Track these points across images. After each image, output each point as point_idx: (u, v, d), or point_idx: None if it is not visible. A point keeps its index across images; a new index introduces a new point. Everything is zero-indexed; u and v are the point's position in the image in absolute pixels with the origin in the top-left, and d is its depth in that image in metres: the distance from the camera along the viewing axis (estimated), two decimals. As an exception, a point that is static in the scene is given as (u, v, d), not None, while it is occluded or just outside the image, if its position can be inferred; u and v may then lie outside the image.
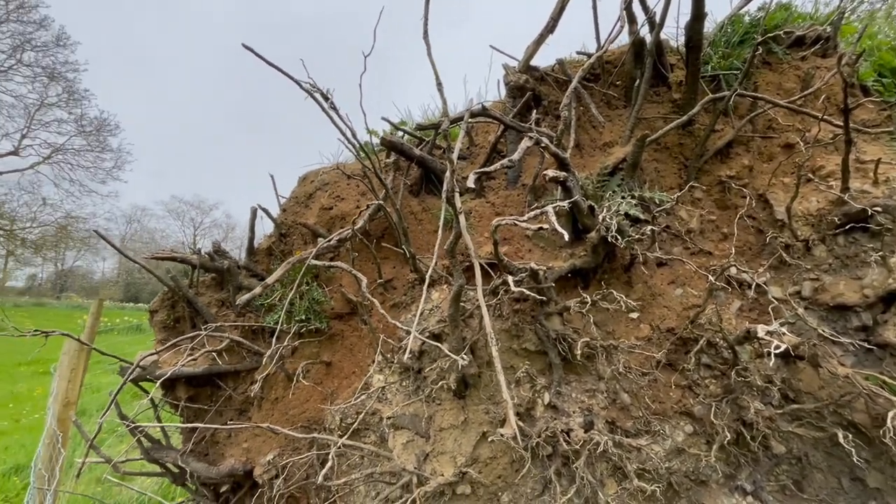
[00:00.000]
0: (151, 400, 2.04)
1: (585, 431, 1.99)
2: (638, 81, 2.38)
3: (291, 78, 1.72)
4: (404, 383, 2.15)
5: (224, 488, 2.42)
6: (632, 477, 1.91)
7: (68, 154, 29.50)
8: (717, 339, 2.07)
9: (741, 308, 2.23)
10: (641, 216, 2.21)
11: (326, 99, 1.60)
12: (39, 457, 2.80)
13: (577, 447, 1.92)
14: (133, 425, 2.03)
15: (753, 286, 2.17)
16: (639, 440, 1.98)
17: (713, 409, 2.01)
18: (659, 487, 1.86)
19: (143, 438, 2.26)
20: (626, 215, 2.16)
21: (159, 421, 2.32)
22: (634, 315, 2.23)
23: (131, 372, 1.90)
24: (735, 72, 2.50)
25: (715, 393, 2.08)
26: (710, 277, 2.05)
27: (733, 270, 2.24)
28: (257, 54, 1.69)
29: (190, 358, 2.08)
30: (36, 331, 1.66)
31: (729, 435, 1.95)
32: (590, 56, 2.61)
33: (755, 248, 2.34)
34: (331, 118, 1.82)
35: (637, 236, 2.05)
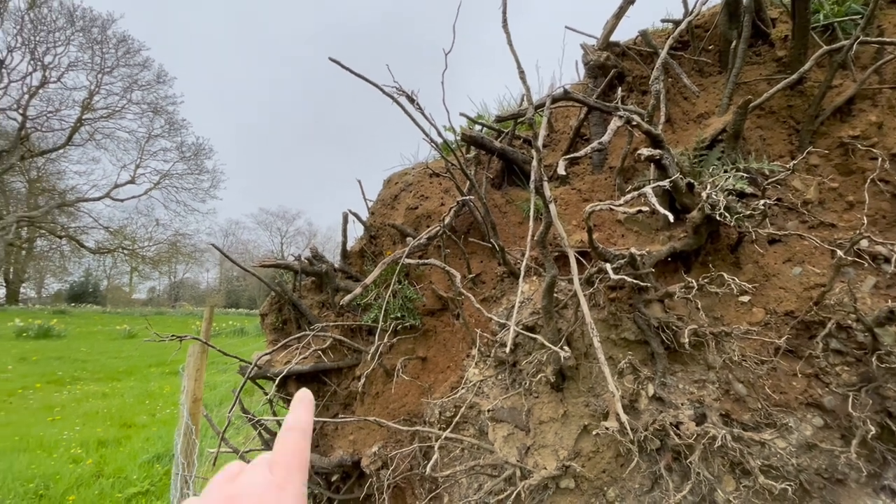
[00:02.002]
0: (269, 398, 2.24)
1: (697, 424, 1.87)
2: (735, 42, 2.16)
3: (376, 85, 1.78)
4: (500, 377, 2.15)
5: (334, 477, 2.58)
6: (756, 474, 1.76)
7: (173, 178, 33.73)
8: (850, 322, 1.84)
9: (877, 285, 1.96)
10: (748, 190, 2.02)
11: (412, 101, 1.63)
12: (178, 447, 3.19)
13: (690, 441, 1.80)
14: (255, 419, 2.24)
15: (894, 260, 1.89)
16: (762, 434, 1.82)
17: (850, 399, 1.79)
18: (790, 486, 1.69)
19: (262, 431, 2.48)
20: (731, 190, 1.98)
21: (275, 415, 2.53)
22: (745, 299, 2.05)
23: (251, 371, 2.10)
24: (854, 17, 2.19)
25: (849, 382, 1.85)
26: (839, 252, 1.82)
27: (865, 243, 1.97)
28: (343, 65, 1.77)
29: (301, 357, 2.25)
30: (173, 336, 1.89)
31: (872, 429, 1.73)
32: (676, 23, 2.42)
33: (890, 216, 2.05)
34: (413, 120, 1.86)
35: (748, 212, 1.87)
